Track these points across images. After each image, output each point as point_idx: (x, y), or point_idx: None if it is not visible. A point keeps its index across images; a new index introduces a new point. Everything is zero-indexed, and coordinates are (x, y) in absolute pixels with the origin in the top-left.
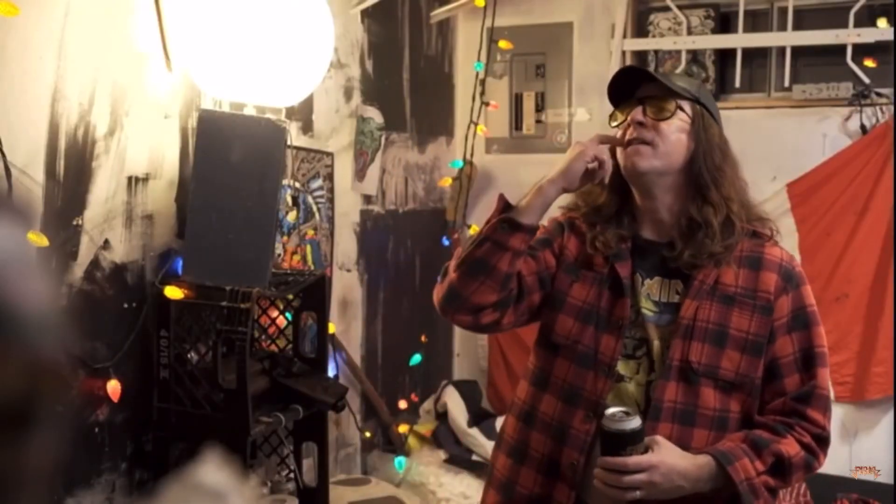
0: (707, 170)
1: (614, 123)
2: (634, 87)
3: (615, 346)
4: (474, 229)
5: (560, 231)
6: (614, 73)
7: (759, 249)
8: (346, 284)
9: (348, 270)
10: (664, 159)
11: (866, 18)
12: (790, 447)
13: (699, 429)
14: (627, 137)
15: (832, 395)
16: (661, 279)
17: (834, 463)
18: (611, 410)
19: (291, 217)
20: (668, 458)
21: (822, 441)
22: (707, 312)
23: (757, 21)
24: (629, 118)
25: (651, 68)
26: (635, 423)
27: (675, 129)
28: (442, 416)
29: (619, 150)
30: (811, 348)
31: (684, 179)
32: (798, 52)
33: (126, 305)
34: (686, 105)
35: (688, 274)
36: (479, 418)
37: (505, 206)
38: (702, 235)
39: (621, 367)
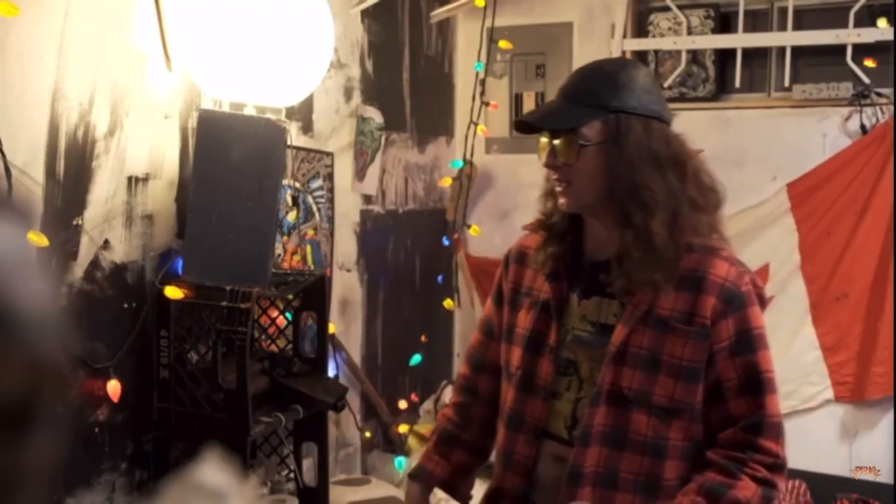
0: (625, 190)
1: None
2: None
3: (549, 369)
4: (474, 230)
5: (505, 269)
6: (516, 124)
7: (703, 268)
8: (346, 284)
9: (348, 270)
10: (583, 196)
11: (866, 18)
12: (746, 490)
13: (629, 453)
14: (548, 177)
15: (832, 394)
16: (598, 299)
17: (834, 463)
18: None
19: (291, 217)
20: None
21: (779, 468)
22: (640, 338)
23: (757, 21)
24: (543, 163)
25: (650, 68)
26: None
27: (587, 161)
28: None
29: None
30: (757, 374)
31: (613, 200)
32: (798, 52)
33: (126, 305)
34: (597, 124)
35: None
36: None
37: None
38: (628, 264)
39: (557, 385)
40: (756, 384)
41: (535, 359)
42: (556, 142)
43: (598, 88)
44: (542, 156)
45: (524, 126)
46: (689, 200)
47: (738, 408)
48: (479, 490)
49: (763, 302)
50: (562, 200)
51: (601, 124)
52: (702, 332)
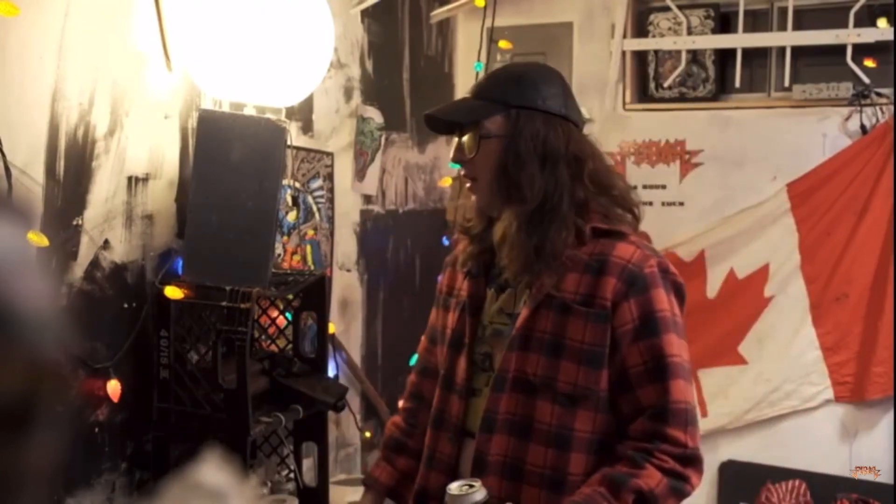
0: (509, 182)
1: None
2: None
3: (464, 366)
4: None
5: (447, 272)
6: (425, 119)
7: (607, 251)
8: (346, 284)
9: (348, 270)
10: (487, 192)
11: (866, 18)
12: (650, 479)
13: (535, 444)
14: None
15: (832, 394)
16: (512, 291)
17: (834, 463)
18: (454, 484)
19: (291, 217)
20: None
21: (689, 460)
22: (544, 322)
23: (757, 21)
24: (450, 158)
25: (651, 68)
26: (480, 494)
27: (487, 154)
28: None
29: None
30: (661, 358)
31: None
32: (798, 52)
33: (126, 305)
34: (498, 119)
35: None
36: None
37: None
38: (503, 258)
39: (476, 382)
40: (661, 369)
41: (455, 357)
42: (464, 138)
43: (503, 86)
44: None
45: (434, 123)
46: (577, 200)
47: (646, 395)
48: None
49: (678, 289)
50: (473, 198)
51: (502, 119)
52: (602, 314)
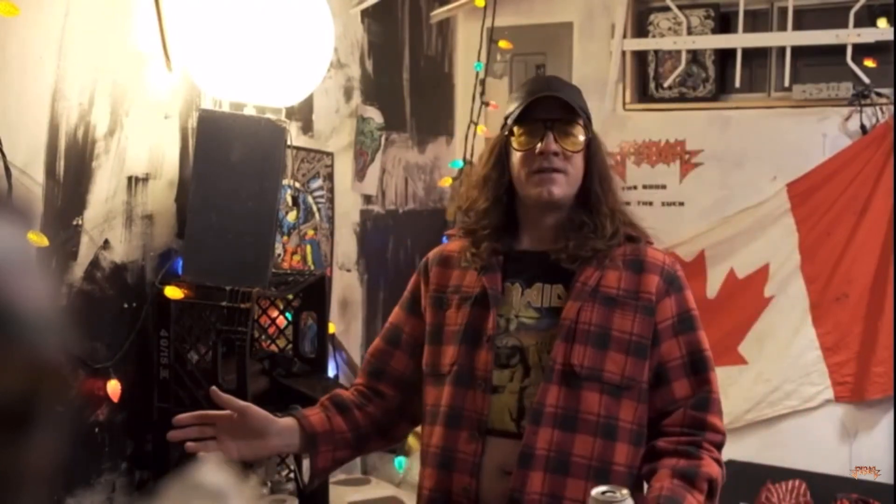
0: (601, 185)
1: (519, 148)
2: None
3: (487, 359)
4: None
5: (424, 274)
6: (528, 100)
7: (641, 253)
8: (346, 284)
9: (348, 270)
10: (574, 186)
11: (866, 18)
12: (711, 467)
13: (582, 434)
14: (536, 165)
15: (832, 394)
16: (541, 285)
17: (834, 463)
18: (598, 489)
19: (291, 217)
20: None
21: (722, 447)
22: (589, 314)
23: (757, 21)
24: (542, 147)
25: (651, 68)
26: (627, 502)
27: (583, 153)
28: None
29: (525, 177)
30: (699, 352)
31: (579, 194)
32: (798, 52)
33: (126, 305)
34: (582, 121)
35: (570, 278)
36: None
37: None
38: (588, 231)
39: (496, 378)
40: (700, 362)
41: (472, 351)
42: (563, 131)
43: (577, 93)
44: (524, 142)
45: (526, 112)
46: (619, 191)
47: (682, 388)
48: None
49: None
50: (553, 189)
51: (584, 121)
52: (648, 308)
